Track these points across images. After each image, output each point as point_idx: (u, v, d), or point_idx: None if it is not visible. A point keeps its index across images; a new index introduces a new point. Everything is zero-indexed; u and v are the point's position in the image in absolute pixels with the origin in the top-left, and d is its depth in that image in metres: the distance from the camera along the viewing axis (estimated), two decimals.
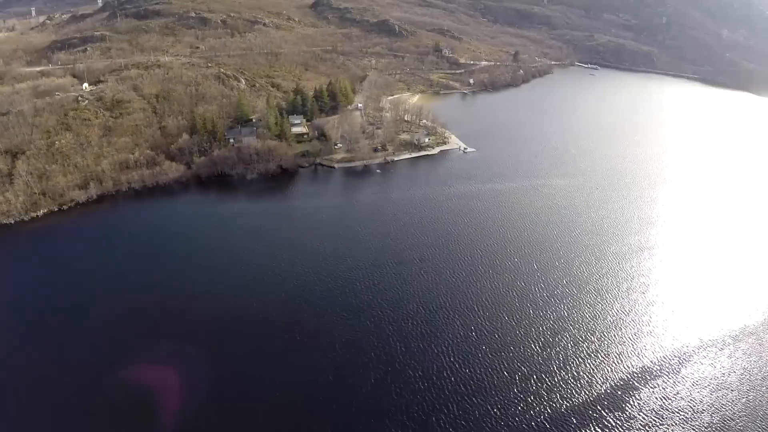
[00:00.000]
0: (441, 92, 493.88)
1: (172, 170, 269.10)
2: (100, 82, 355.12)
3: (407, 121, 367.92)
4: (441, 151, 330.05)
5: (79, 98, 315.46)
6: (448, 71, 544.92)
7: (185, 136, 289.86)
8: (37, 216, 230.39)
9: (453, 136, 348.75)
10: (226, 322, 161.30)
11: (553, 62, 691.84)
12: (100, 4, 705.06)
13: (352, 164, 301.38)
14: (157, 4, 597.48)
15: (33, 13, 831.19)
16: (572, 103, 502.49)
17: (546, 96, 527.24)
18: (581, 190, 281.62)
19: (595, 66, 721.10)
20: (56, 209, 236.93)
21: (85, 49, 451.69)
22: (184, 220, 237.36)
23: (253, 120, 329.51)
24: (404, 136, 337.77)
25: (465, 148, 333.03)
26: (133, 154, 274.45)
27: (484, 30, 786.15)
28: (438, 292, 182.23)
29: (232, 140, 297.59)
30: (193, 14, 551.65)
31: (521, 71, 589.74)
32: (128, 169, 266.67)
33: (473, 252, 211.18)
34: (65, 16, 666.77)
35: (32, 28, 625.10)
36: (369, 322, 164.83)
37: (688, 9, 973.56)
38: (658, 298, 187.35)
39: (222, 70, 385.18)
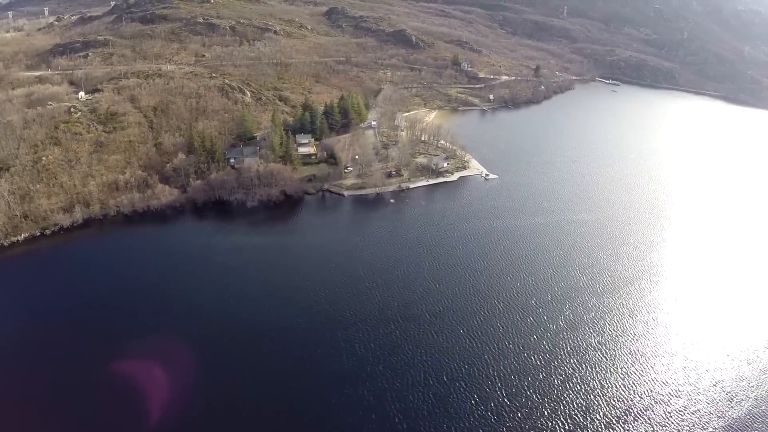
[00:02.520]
0: (459, 108, 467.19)
1: (165, 194, 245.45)
2: (97, 90, 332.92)
3: (424, 142, 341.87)
4: (460, 177, 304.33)
5: (72, 109, 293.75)
6: (466, 86, 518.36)
7: (181, 156, 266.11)
8: (18, 241, 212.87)
9: (473, 160, 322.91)
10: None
11: (573, 77, 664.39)
12: (113, 4, 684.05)
13: (363, 192, 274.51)
14: (164, 8, 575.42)
15: (46, 12, 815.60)
16: (597, 124, 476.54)
17: (569, 115, 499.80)
18: (613, 225, 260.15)
19: (616, 82, 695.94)
20: (38, 233, 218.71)
21: (87, 54, 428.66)
22: (173, 253, 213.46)
23: (257, 138, 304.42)
24: (421, 160, 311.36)
25: (486, 175, 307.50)
26: (123, 174, 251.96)
27: (503, 42, 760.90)
28: (451, 358, 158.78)
29: (232, 160, 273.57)
30: (201, 20, 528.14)
31: (542, 87, 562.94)
32: (118, 191, 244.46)
33: (492, 305, 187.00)
34: (74, 18, 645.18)
35: (39, 29, 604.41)
36: (369, 396, 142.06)
37: (708, 24, 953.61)
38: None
39: (227, 81, 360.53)
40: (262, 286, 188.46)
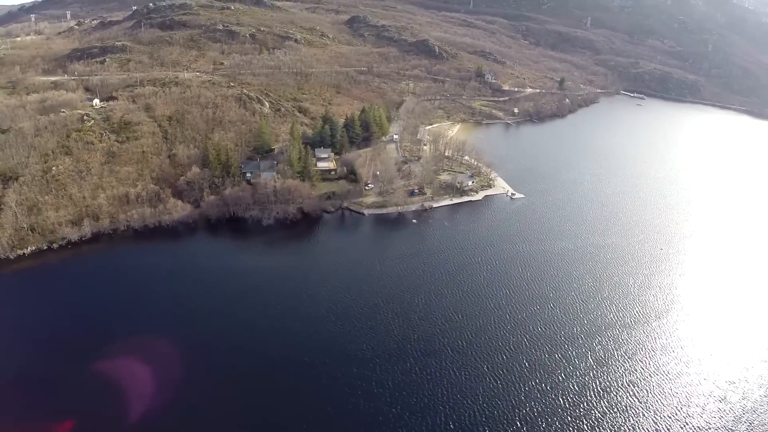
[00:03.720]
0: (483, 122, 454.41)
1: (178, 209, 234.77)
2: (112, 98, 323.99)
3: (448, 158, 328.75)
4: (485, 196, 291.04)
5: (85, 117, 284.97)
6: (490, 98, 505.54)
7: (195, 169, 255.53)
8: (24, 254, 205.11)
9: (499, 178, 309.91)
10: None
11: (598, 90, 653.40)
12: (134, 9, 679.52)
13: (385, 211, 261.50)
14: (184, 14, 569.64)
15: (68, 16, 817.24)
16: (624, 140, 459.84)
17: (595, 130, 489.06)
18: (643, 251, 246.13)
19: (641, 95, 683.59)
20: (45, 247, 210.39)
21: (104, 60, 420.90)
22: (182, 274, 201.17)
23: (275, 151, 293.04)
24: (445, 177, 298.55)
25: (512, 194, 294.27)
26: (135, 187, 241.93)
27: (527, 53, 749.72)
28: (473, 399, 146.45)
29: (248, 174, 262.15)
30: (221, 27, 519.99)
31: (567, 100, 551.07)
32: (128, 204, 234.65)
33: (517, 339, 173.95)
34: (94, 22, 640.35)
35: (59, 33, 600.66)
36: None
37: (732, 36, 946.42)
38: None
39: (245, 90, 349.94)
40: (272, 315, 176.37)
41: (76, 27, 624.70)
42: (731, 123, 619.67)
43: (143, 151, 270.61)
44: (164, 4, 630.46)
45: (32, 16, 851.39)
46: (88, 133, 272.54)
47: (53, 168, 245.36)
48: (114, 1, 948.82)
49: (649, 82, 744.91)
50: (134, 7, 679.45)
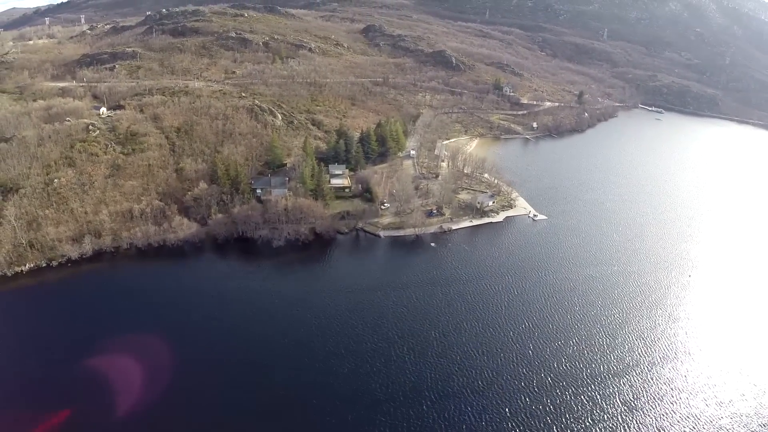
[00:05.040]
0: (502, 137, 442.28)
1: (183, 228, 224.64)
2: (119, 107, 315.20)
3: (467, 175, 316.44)
4: (506, 217, 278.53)
5: (90, 127, 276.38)
6: (509, 112, 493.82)
7: (203, 185, 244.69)
8: (22, 271, 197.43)
9: (520, 198, 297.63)
10: None
11: (616, 104, 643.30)
12: (148, 14, 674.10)
13: (401, 233, 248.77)
14: (197, 21, 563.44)
15: (82, 20, 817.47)
16: (645, 157, 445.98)
17: (615, 146, 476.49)
18: (670, 279, 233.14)
19: (659, 110, 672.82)
20: (44, 265, 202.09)
21: (114, 66, 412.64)
22: (185, 299, 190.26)
23: (287, 166, 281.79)
24: (464, 196, 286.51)
25: (534, 215, 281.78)
26: (139, 203, 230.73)
27: (544, 65, 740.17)
28: None
29: (259, 191, 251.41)
30: (234, 34, 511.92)
31: (586, 114, 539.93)
32: (132, 221, 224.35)
33: (540, 379, 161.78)
34: (107, 27, 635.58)
35: (71, 38, 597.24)
36: None
37: (750, 49, 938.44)
38: None
39: (257, 101, 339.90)
40: (278, 349, 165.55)
41: (89, 32, 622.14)
42: (752, 138, 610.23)
43: (149, 165, 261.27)
44: (177, 10, 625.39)
45: (46, 19, 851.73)
46: (93, 144, 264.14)
47: (55, 180, 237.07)
48: (129, 6, 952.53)
49: (667, 96, 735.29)
50: (148, 13, 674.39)
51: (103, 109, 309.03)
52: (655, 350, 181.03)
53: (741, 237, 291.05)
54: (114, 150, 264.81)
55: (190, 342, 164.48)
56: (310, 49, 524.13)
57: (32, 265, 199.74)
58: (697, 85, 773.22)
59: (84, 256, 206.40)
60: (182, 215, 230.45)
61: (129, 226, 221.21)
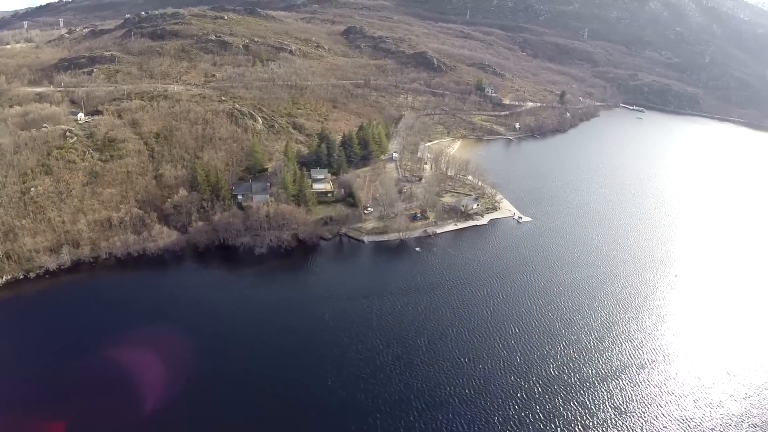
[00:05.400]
0: (484, 138, 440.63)
1: (163, 236, 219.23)
2: (97, 112, 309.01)
3: (450, 177, 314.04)
4: (491, 220, 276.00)
5: (68, 133, 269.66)
6: (491, 113, 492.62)
7: (183, 192, 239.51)
8: None
9: (505, 200, 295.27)
10: None
11: (598, 103, 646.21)
12: (127, 17, 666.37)
13: (386, 237, 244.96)
14: (176, 24, 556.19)
15: (61, 24, 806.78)
16: (629, 156, 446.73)
17: (598, 146, 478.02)
18: (657, 280, 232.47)
19: (641, 108, 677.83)
20: (22, 276, 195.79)
21: (92, 70, 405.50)
22: (166, 308, 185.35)
23: (268, 171, 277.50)
24: (448, 199, 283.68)
25: (519, 217, 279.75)
26: (118, 211, 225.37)
27: (525, 65, 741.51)
28: None
29: (240, 197, 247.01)
30: (213, 37, 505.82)
31: (568, 114, 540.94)
32: (111, 229, 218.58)
33: (529, 386, 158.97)
34: (85, 31, 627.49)
35: (49, 42, 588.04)
36: None
37: (729, 48, 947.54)
38: None
39: (237, 105, 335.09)
40: (261, 360, 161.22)
41: (67, 35, 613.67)
42: (732, 135, 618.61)
43: (128, 171, 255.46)
44: (156, 13, 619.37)
45: (25, 23, 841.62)
46: (70, 151, 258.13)
47: (32, 189, 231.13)
48: (108, 9, 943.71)
49: (648, 95, 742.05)
50: (127, 16, 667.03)
51: (81, 115, 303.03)
52: (643, 352, 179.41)
53: (726, 235, 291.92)
54: (92, 157, 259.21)
55: (172, 354, 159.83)
56: (290, 52, 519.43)
57: (9, 277, 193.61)
58: (678, 84, 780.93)
59: (62, 267, 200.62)
60: (162, 223, 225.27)
61: (108, 235, 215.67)
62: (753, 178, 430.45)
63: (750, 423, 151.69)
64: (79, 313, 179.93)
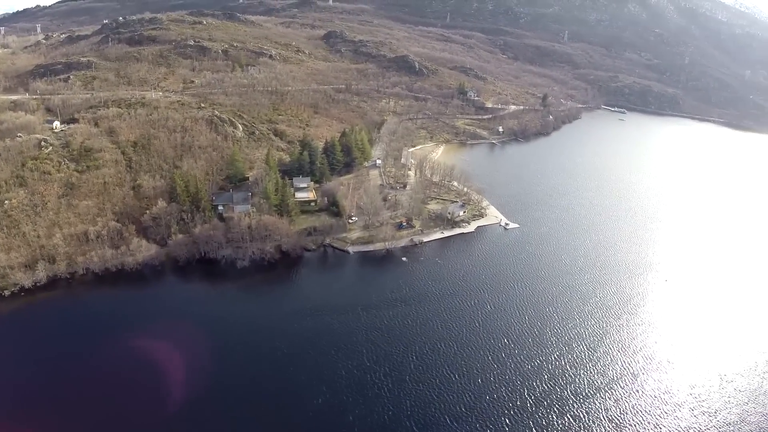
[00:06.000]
0: (468, 142, 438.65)
1: (142, 250, 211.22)
2: (73, 120, 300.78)
3: (435, 184, 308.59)
4: (478, 227, 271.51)
5: (43, 143, 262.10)
6: (474, 117, 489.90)
7: (161, 203, 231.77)
8: None
9: (491, 207, 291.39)
10: None
11: (580, 105, 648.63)
12: (105, 22, 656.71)
13: (371, 248, 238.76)
14: (154, 29, 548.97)
15: (38, 29, 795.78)
16: (612, 159, 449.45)
17: (581, 149, 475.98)
18: (648, 285, 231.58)
19: (622, 110, 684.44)
20: None
21: (68, 77, 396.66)
22: (144, 326, 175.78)
23: (249, 180, 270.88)
24: (433, 207, 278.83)
25: (506, 224, 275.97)
26: (95, 224, 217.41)
27: (506, 68, 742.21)
28: None
29: (220, 208, 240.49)
30: (192, 42, 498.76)
31: (551, 117, 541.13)
32: (88, 244, 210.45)
33: (522, 400, 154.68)
34: (62, 37, 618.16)
35: (26, 48, 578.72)
36: None
37: (708, 49, 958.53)
38: None
39: (216, 112, 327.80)
40: (245, 381, 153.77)
41: (44, 41, 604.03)
42: (713, 135, 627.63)
43: (105, 182, 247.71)
44: (134, 18, 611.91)
45: (2, 29, 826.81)
46: (45, 162, 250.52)
47: (6, 202, 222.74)
48: (86, 14, 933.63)
49: (629, 96, 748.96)
50: (104, 21, 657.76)
51: (57, 123, 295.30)
52: (636, 361, 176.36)
53: (713, 236, 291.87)
54: (68, 167, 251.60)
55: (150, 374, 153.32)
56: (270, 57, 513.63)
57: None
58: (658, 85, 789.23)
59: (38, 284, 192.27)
60: (140, 236, 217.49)
61: (84, 249, 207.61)
62: (736, 177, 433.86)
63: (748, 430, 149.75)
64: (56, 333, 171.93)
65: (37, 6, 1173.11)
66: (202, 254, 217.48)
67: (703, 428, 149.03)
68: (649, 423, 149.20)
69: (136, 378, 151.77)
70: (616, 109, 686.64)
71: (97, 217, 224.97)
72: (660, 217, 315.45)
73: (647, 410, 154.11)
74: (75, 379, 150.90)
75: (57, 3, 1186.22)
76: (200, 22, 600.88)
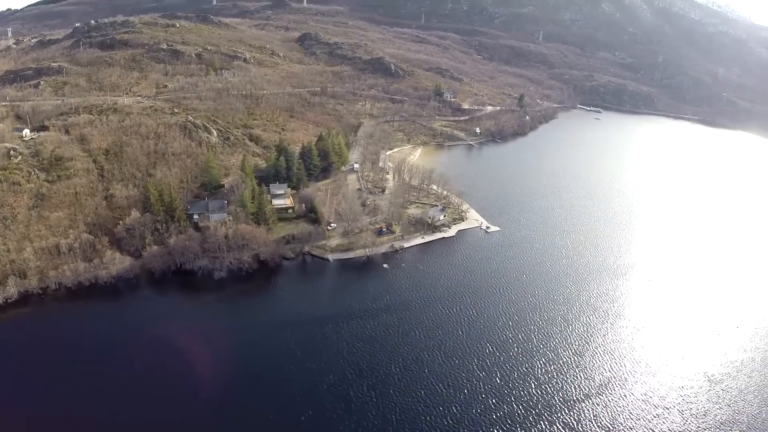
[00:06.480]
0: (445, 144, 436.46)
1: (116, 263, 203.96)
2: (43, 128, 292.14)
3: (414, 187, 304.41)
4: (459, 231, 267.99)
5: (12, 152, 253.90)
6: (451, 118, 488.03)
7: (135, 214, 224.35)
8: None
9: (471, 210, 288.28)
10: None
11: (555, 105, 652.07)
12: (77, 25, 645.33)
13: (351, 255, 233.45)
14: (126, 32, 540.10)
15: (9, 34, 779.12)
16: (590, 158, 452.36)
17: (559, 149, 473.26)
18: (631, 286, 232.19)
19: (598, 109, 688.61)
20: None
21: (38, 83, 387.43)
22: (118, 343, 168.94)
23: (225, 187, 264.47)
24: (413, 211, 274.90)
25: (487, 227, 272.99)
26: (67, 237, 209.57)
27: (482, 68, 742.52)
28: None
29: (196, 217, 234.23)
30: (165, 46, 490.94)
31: (527, 117, 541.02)
32: (60, 257, 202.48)
33: (510, 408, 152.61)
34: (33, 41, 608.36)
35: None
36: None
37: (682, 47, 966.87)
38: None
39: (190, 117, 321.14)
40: (224, 396, 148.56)
41: (14, 46, 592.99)
42: (688, 133, 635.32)
43: (76, 192, 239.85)
44: (106, 21, 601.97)
45: None
46: (15, 172, 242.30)
47: None
48: (58, 18, 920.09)
49: (605, 95, 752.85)
50: (76, 24, 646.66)
51: (26, 131, 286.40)
52: (624, 365, 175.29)
53: (694, 233, 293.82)
54: (38, 177, 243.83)
55: (128, 395, 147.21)
56: (244, 60, 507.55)
57: None
58: (633, 84, 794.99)
59: (9, 301, 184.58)
60: (114, 248, 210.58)
61: (57, 263, 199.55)
62: (712, 174, 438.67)
63: (738, 430, 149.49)
64: (28, 353, 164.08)
65: (8, 9, 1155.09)
66: (178, 266, 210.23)
67: (693, 430, 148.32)
68: (640, 427, 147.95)
69: (111, 396, 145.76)
70: (591, 108, 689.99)
71: (69, 229, 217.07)
72: (640, 216, 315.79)
73: (637, 415, 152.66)
74: (48, 399, 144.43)
75: (28, 6, 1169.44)
76: (173, 25, 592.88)
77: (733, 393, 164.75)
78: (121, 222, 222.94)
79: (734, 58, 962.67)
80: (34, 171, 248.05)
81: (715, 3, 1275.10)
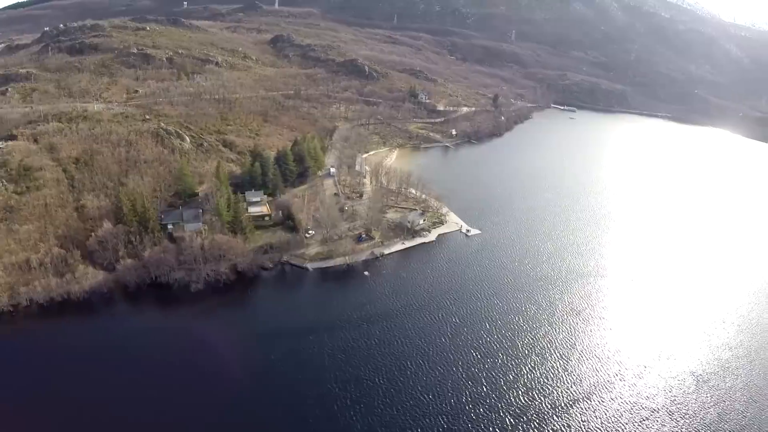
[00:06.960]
0: (422, 146, 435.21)
1: (88, 277, 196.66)
2: (11, 137, 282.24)
3: (392, 191, 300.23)
4: (439, 235, 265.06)
5: None
6: (426, 120, 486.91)
7: (107, 225, 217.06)
8: None
9: (451, 213, 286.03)
10: None
11: (530, 105, 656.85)
12: (45, 30, 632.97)
13: (331, 263, 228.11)
14: (95, 36, 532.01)
15: None
16: (565, 157, 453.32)
17: (535, 149, 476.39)
18: (613, 286, 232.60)
19: (572, 108, 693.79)
20: None
21: (6, 90, 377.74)
22: (93, 364, 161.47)
23: (199, 195, 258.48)
24: (392, 216, 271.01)
25: (467, 230, 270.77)
26: (37, 251, 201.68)
27: (455, 69, 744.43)
28: None
29: (170, 227, 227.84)
30: (135, 50, 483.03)
31: (503, 117, 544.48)
32: (30, 272, 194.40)
33: (499, 417, 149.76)
34: (2, 46, 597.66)
35: None
36: None
37: (654, 45, 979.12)
38: None
39: (162, 124, 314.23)
40: (204, 414, 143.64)
41: None
42: (662, 130, 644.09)
43: (46, 204, 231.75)
44: (75, 25, 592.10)
45: None
46: None
47: None
48: (27, 22, 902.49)
49: (578, 94, 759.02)
50: (45, 29, 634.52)
51: None
52: (610, 367, 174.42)
53: (674, 232, 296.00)
54: (6, 189, 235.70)
55: (103, 415, 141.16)
56: (216, 63, 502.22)
57: None
58: (606, 82, 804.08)
59: None
60: (86, 262, 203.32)
61: (27, 279, 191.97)
62: (687, 171, 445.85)
63: (727, 429, 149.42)
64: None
65: None
66: (153, 278, 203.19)
67: (680, 423, 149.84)
68: (630, 430, 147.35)
69: (84, 417, 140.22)
70: (565, 107, 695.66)
71: (39, 243, 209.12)
72: (619, 215, 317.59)
73: (627, 418, 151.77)
74: (20, 420, 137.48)
75: None
76: (144, 29, 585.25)
77: (720, 392, 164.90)
78: (93, 234, 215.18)
79: (705, 55, 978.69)
80: (2, 182, 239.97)
81: (685, 1, 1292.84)
